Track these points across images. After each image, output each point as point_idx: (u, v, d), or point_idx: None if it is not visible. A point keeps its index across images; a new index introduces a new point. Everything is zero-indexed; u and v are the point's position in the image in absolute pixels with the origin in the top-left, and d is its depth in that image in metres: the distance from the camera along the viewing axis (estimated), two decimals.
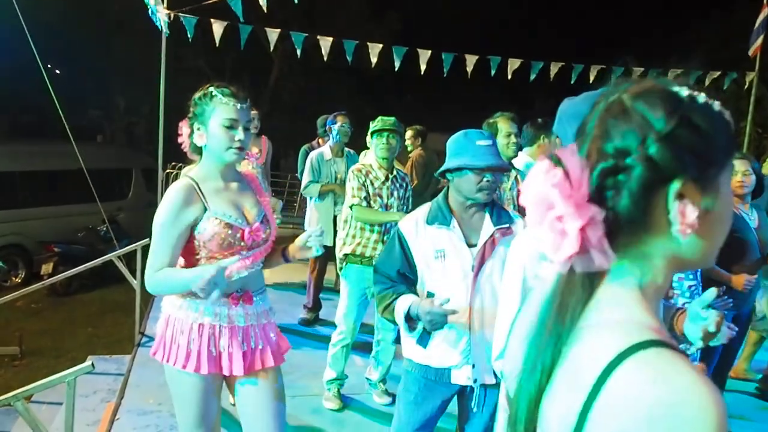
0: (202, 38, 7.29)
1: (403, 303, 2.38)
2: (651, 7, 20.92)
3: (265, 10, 6.03)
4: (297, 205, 14.18)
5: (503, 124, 3.86)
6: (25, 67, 7.80)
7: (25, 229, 9.12)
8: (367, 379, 4.16)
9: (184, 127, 2.33)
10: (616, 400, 0.75)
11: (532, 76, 7.76)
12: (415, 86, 18.39)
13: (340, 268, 4.03)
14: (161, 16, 6.09)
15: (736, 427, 3.91)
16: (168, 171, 10.85)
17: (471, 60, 7.47)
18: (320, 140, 6.13)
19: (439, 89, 17.62)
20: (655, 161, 0.79)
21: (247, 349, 2.33)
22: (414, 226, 2.48)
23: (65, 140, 6.22)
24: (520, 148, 3.88)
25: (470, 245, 2.43)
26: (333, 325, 4.30)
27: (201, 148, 2.30)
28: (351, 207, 3.86)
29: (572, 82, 7.65)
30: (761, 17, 7.54)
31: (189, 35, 6.33)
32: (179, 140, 2.35)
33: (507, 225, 2.44)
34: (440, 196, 2.52)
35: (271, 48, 7.61)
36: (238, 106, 2.24)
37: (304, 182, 5.40)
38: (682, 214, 0.80)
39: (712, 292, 1.74)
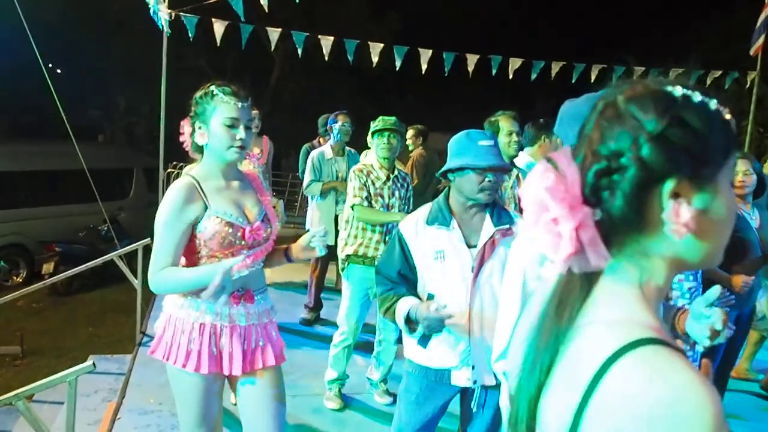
0: (203, 38, 7.29)
1: (403, 306, 2.38)
2: (651, 7, 20.90)
3: (266, 10, 6.03)
4: (298, 204, 14.18)
5: (505, 123, 3.85)
6: (25, 67, 7.82)
7: (26, 228, 9.13)
8: (368, 378, 4.16)
9: (185, 126, 2.33)
10: (613, 396, 0.76)
11: (533, 76, 7.75)
12: (415, 86, 18.40)
13: (342, 269, 4.03)
14: (163, 15, 6.09)
15: (739, 427, 3.91)
16: (169, 171, 10.87)
17: (472, 59, 7.46)
18: (321, 139, 6.12)
19: (440, 89, 17.60)
20: (647, 161, 0.80)
21: (248, 348, 2.33)
22: (414, 226, 2.48)
23: (66, 140, 6.23)
24: (521, 147, 3.88)
25: (470, 246, 2.42)
26: (334, 324, 4.30)
27: (202, 146, 2.30)
28: (352, 207, 3.86)
29: (573, 82, 7.65)
30: (762, 17, 7.53)
31: (190, 35, 6.33)
32: (181, 139, 2.36)
33: (507, 226, 2.43)
34: (441, 196, 2.52)
35: (272, 48, 7.61)
36: (240, 104, 2.24)
37: (305, 181, 5.40)
38: (676, 214, 0.80)
39: (715, 291, 1.73)
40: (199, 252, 2.26)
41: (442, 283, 2.43)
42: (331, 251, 5.29)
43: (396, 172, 4.00)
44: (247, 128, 2.27)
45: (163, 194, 2.36)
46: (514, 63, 7.60)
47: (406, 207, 3.98)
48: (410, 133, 6.38)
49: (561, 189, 0.83)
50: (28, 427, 3.07)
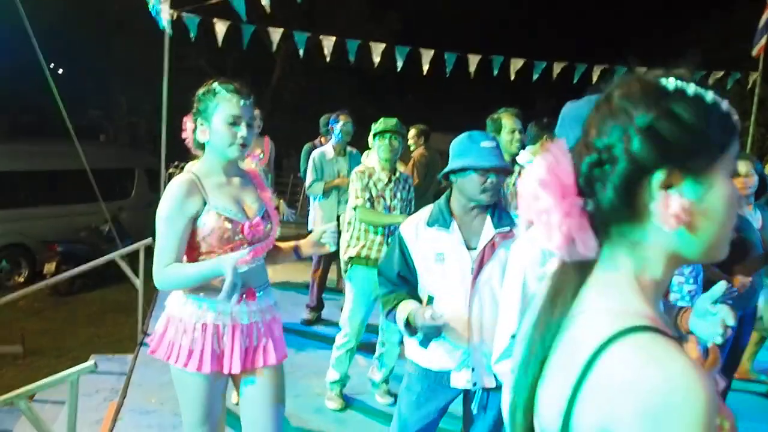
0: (204, 38, 7.29)
1: (403, 310, 2.39)
2: (651, 7, 20.89)
3: (268, 10, 6.03)
4: (299, 204, 14.17)
5: (507, 120, 3.85)
6: (26, 66, 7.82)
7: (27, 228, 9.12)
8: (370, 379, 4.16)
9: (188, 123, 2.33)
10: (607, 380, 0.77)
11: (535, 76, 7.75)
12: (416, 86, 18.38)
13: (345, 271, 4.02)
14: (164, 15, 6.10)
15: (741, 428, 3.90)
16: (170, 171, 10.85)
17: (473, 60, 7.46)
18: (322, 139, 6.12)
19: (441, 89, 17.59)
20: (636, 153, 0.82)
21: (249, 345, 2.33)
22: (414, 228, 2.49)
23: (67, 140, 6.23)
24: (523, 145, 3.88)
25: (470, 248, 2.42)
26: (335, 324, 4.30)
27: (204, 143, 2.31)
28: (355, 208, 3.85)
29: (574, 82, 7.65)
30: (765, 17, 7.52)
31: (192, 35, 6.33)
32: (183, 135, 2.36)
33: (508, 228, 2.42)
34: (442, 198, 2.51)
35: (274, 48, 7.60)
36: (242, 102, 2.24)
37: (307, 181, 5.41)
38: (666, 204, 0.81)
39: (720, 287, 1.70)
40: (199, 248, 2.26)
41: (442, 285, 2.43)
42: (333, 252, 5.30)
43: (397, 174, 4.00)
44: (249, 126, 2.27)
45: None
46: (516, 63, 7.60)
47: (408, 209, 3.97)
48: (412, 132, 6.37)
49: (552, 179, 0.85)
50: (29, 426, 3.07)
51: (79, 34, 16.48)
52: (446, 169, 2.45)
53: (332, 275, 5.97)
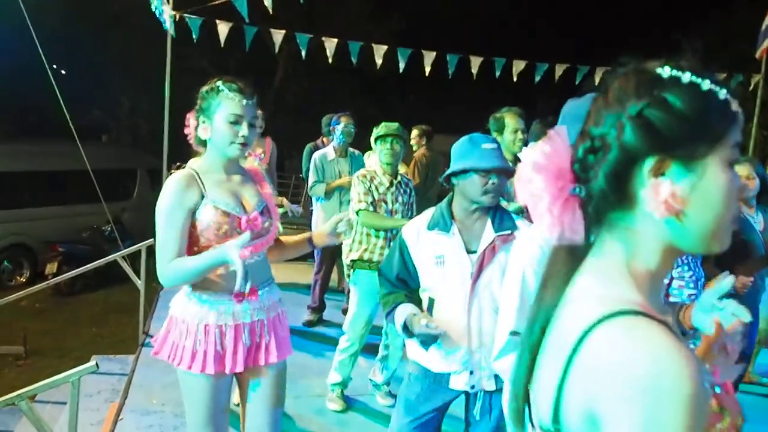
0: (207, 39, 7.30)
1: (401, 314, 2.39)
2: (651, 8, 20.86)
3: (271, 11, 6.04)
4: (301, 206, 14.15)
5: (510, 120, 3.84)
6: (27, 67, 7.84)
7: (29, 228, 9.14)
8: (371, 380, 4.15)
9: (191, 119, 2.33)
10: (593, 361, 0.77)
11: (537, 78, 7.74)
12: (418, 87, 18.37)
13: (348, 275, 4.02)
14: (167, 17, 6.11)
15: (742, 429, 3.89)
16: (172, 171, 10.86)
17: (476, 62, 7.46)
18: (324, 139, 6.11)
19: (442, 90, 17.59)
20: (627, 141, 0.83)
21: (252, 343, 2.32)
22: (416, 231, 2.49)
23: (69, 140, 6.25)
24: (526, 144, 3.88)
25: (470, 251, 2.42)
26: (336, 325, 4.30)
27: (206, 141, 2.31)
28: (357, 212, 3.85)
29: (577, 83, 7.64)
30: None
31: (194, 36, 6.34)
32: (185, 131, 2.36)
33: (509, 231, 2.41)
34: (444, 201, 2.51)
35: (276, 49, 7.61)
36: (244, 102, 2.25)
37: (309, 183, 5.41)
38: (656, 191, 0.81)
39: (728, 281, 1.62)
40: (197, 243, 2.26)
41: (442, 288, 2.43)
42: (334, 253, 5.30)
43: (399, 178, 4.00)
44: (251, 126, 2.27)
45: None
46: (518, 65, 7.60)
47: (410, 213, 3.97)
48: (414, 133, 6.37)
49: (547, 162, 0.87)
50: (30, 427, 3.07)
51: (80, 35, 16.50)
52: (448, 172, 2.45)
53: (333, 276, 5.97)
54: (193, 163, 2.38)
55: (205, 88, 2.29)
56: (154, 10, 6.22)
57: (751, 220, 3.56)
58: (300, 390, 4.08)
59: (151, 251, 2.75)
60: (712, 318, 1.66)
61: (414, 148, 6.40)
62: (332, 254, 5.44)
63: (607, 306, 0.80)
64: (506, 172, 2.42)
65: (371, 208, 3.82)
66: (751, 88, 8.26)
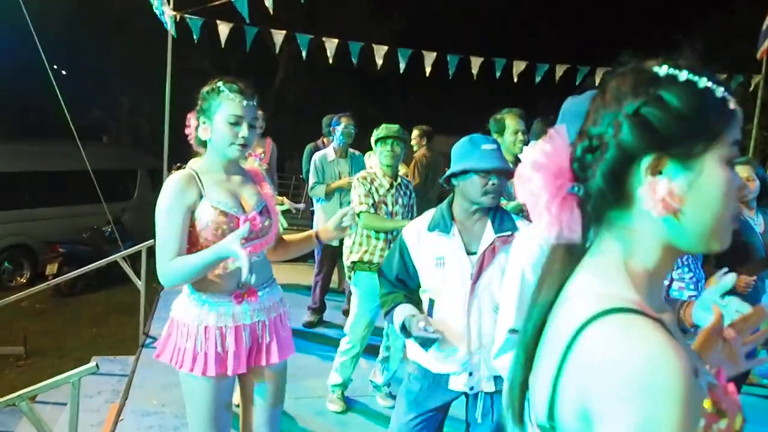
0: (208, 40, 7.30)
1: (399, 314, 2.40)
2: (651, 7, 20.86)
3: (271, 12, 6.04)
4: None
5: (511, 121, 3.84)
6: (27, 67, 7.84)
7: (29, 229, 9.15)
8: (372, 381, 4.15)
9: (191, 119, 2.33)
10: (587, 358, 0.77)
11: (538, 78, 7.74)
12: (418, 88, 18.37)
13: (349, 277, 4.02)
14: (167, 17, 6.11)
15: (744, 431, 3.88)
16: (173, 172, 10.86)
17: (476, 62, 7.46)
18: (325, 140, 6.12)
19: (443, 90, 17.59)
20: (624, 139, 0.83)
21: (253, 344, 2.32)
22: (416, 233, 2.49)
23: (70, 140, 6.25)
24: (527, 145, 3.88)
25: (471, 253, 2.42)
26: (337, 326, 4.30)
27: (206, 141, 2.31)
28: (358, 214, 3.85)
29: (577, 84, 7.63)
30: None
31: (195, 37, 6.34)
32: (186, 132, 2.36)
33: (509, 232, 2.41)
34: (444, 203, 2.51)
35: (277, 50, 7.61)
36: (245, 102, 2.24)
37: (309, 184, 5.41)
38: (653, 190, 0.81)
39: (731, 278, 1.63)
40: (196, 243, 2.25)
41: (442, 289, 2.43)
42: (335, 254, 5.30)
43: (399, 180, 4.00)
44: (251, 126, 2.27)
45: None
46: (518, 66, 7.59)
47: (410, 214, 3.97)
48: (415, 133, 6.38)
49: (546, 161, 0.87)
50: (31, 427, 3.07)
51: (80, 35, 16.51)
52: (448, 173, 2.45)
53: (333, 277, 5.97)
54: (193, 164, 2.37)
55: (205, 89, 2.29)
56: (155, 10, 6.23)
57: (751, 222, 3.55)
58: (300, 391, 4.08)
59: (151, 252, 2.75)
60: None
61: (414, 149, 6.40)
62: (333, 255, 5.44)
63: (601, 302, 0.80)
64: (506, 173, 2.42)
65: (372, 210, 3.82)
66: (751, 88, 8.24)
